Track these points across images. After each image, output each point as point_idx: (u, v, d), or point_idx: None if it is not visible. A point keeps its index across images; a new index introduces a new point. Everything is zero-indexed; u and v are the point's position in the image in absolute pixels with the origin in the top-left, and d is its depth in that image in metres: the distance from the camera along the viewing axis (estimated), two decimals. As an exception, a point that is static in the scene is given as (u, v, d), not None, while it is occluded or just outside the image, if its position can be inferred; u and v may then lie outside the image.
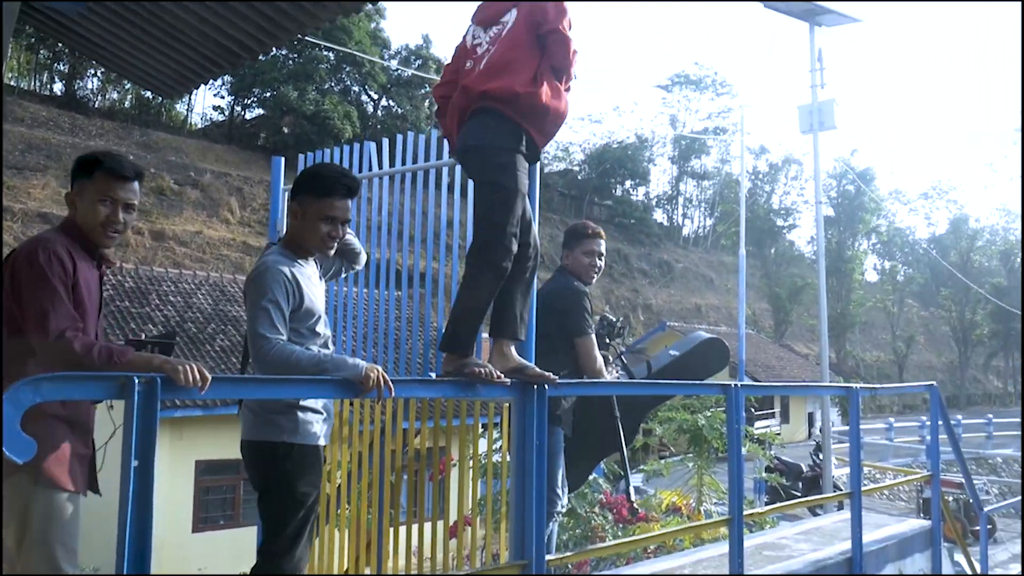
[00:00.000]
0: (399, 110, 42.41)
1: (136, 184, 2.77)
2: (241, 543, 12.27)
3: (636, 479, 13.60)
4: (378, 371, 2.60)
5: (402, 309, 4.09)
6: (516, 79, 2.98)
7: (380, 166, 4.16)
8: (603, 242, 4.25)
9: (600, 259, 4.21)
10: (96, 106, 36.44)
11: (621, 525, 8.46)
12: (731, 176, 56.88)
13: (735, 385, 4.30)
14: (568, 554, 3.53)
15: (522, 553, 3.07)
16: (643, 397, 4.36)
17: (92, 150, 2.83)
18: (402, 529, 3.80)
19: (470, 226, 3.56)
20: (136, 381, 2.05)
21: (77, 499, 2.56)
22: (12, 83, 32.98)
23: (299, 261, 2.95)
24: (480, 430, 4.68)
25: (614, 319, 5.13)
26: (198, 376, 2.21)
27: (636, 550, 6.55)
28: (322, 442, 2.96)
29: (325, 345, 2.97)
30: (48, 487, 2.48)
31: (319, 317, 2.95)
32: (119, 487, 2.06)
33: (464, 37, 3.28)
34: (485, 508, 4.15)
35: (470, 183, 3.67)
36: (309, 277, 2.95)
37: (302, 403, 2.87)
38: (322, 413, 2.94)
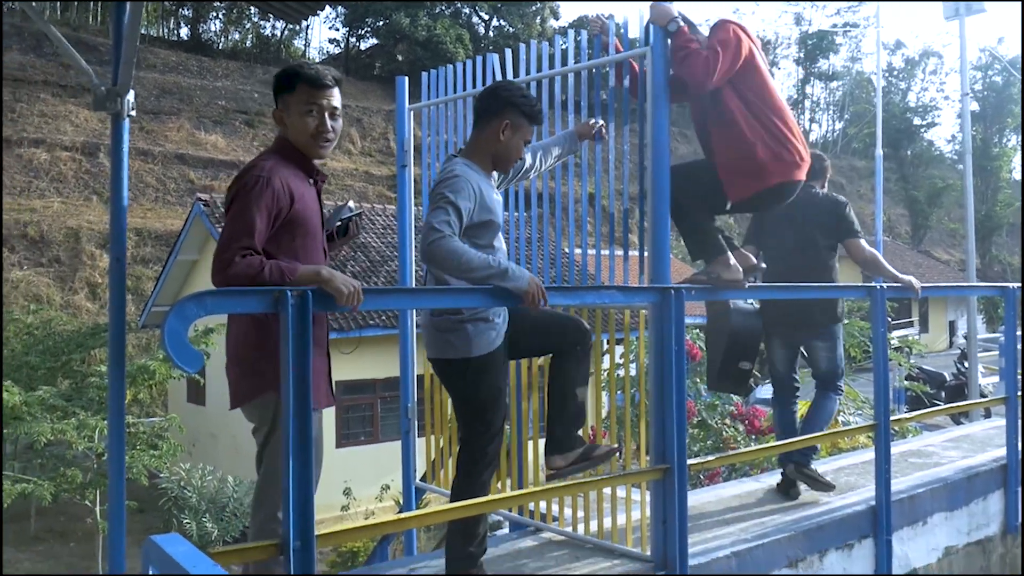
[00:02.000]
0: (511, 29, 41.78)
1: (337, 90, 2.69)
2: (381, 458, 12.93)
3: (767, 390, 13.36)
4: (538, 283, 2.69)
5: (521, 229, 4.09)
6: None
7: (504, 77, 4.11)
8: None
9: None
10: (220, 47, 37.65)
11: (753, 436, 8.39)
12: (862, 75, 53.44)
13: (880, 287, 4.12)
14: (710, 458, 3.52)
15: (663, 458, 3.09)
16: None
17: (290, 65, 2.76)
18: (540, 443, 3.87)
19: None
20: (289, 295, 2.14)
21: (318, 415, 2.62)
22: (142, 31, 34.36)
23: (484, 174, 3.02)
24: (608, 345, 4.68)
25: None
26: (359, 293, 2.31)
27: (771, 458, 6.49)
28: (497, 345, 2.97)
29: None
30: None
31: (498, 230, 3.00)
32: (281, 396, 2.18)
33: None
34: (622, 418, 4.17)
35: (589, 94, 3.58)
36: (491, 191, 3.01)
37: (470, 316, 2.91)
38: (491, 320, 2.95)
